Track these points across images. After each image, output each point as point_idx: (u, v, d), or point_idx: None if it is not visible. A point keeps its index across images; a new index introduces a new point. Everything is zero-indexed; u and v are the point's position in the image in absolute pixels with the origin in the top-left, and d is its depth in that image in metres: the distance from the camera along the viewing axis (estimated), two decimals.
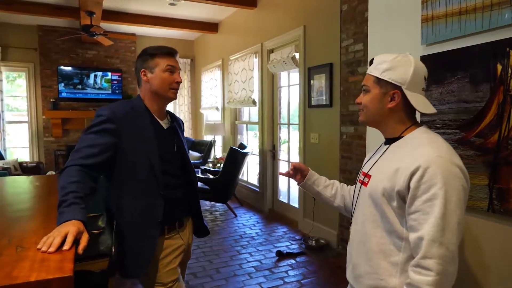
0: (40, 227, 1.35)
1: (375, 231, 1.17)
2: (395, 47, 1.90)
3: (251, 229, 4.55)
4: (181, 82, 1.67)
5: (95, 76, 7.22)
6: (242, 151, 5.00)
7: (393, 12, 1.91)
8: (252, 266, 3.40)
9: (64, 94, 7.00)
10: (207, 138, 7.17)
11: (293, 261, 3.52)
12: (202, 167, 6.03)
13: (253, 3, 5.34)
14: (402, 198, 1.08)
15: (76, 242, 1.14)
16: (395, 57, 1.16)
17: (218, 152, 7.15)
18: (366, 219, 1.20)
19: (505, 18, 1.37)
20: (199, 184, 5.14)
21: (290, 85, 4.95)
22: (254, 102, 5.38)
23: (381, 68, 1.17)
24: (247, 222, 4.85)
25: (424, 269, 0.99)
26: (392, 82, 1.15)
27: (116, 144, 1.50)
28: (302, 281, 3.10)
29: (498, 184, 1.43)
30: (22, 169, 6.22)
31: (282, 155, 5.38)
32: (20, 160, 6.50)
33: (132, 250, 1.55)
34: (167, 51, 1.63)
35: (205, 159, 6.68)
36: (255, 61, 5.39)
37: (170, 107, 7.93)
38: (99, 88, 7.27)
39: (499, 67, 1.40)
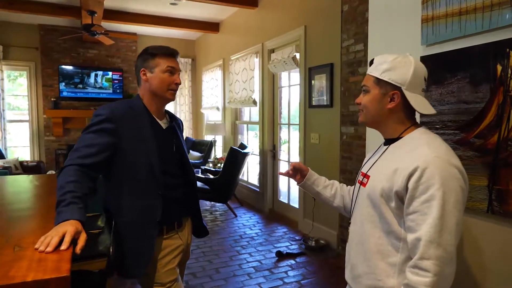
0: (39, 226, 1.35)
1: (373, 231, 1.16)
2: (395, 47, 1.90)
3: (251, 229, 4.55)
4: (180, 83, 1.67)
5: (96, 75, 7.23)
6: (242, 151, 5.00)
7: (393, 12, 1.90)
8: (252, 267, 3.39)
9: (65, 93, 7.00)
10: (208, 138, 7.17)
11: (293, 262, 3.51)
12: (203, 167, 6.03)
13: (254, 3, 5.34)
14: (400, 199, 1.07)
15: (74, 242, 1.14)
16: (395, 58, 1.16)
17: (218, 152, 7.15)
18: (364, 219, 1.20)
19: (505, 19, 1.36)
20: (199, 184, 5.14)
21: (290, 85, 4.95)
22: (254, 102, 5.38)
23: (381, 69, 1.16)
24: (247, 222, 4.85)
25: (422, 270, 0.99)
26: (392, 82, 1.14)
27: (114, 144, 1.50)
28: (301, 282, 3.10)
29: (497, 185, 1.42)
30: (23, 168, 6.22)
31: (283, 155, 5.37)
32: (21, 159, 6.51)
33: (130, 250, 1.55)
34: (169, 52, 1.63)
35: (205, 159, 6.68)
36: (256, 61, 5.39)
37: (171, 106, 7.95)
38: (100, 88, 7.28)
39: (499, 68, 1.40)
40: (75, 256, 1.11)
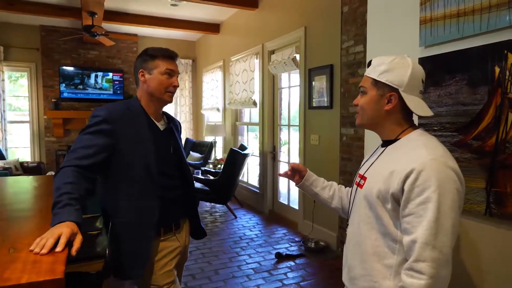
0: (36, 227, 1.35)
1: (369, 233, 1.16)
2: (394, 48, 1.90)
3: (251, 230, 4.54)
4: (178, 86, 1.67)
5: (96, 76, 7.23)
6: (242, 152, 4.99)
7: (392, 14, 1.90)
8: (251, 268, 3.39)
9: (65, 94, 7.01)
10: (208, 139, 7.17)
11: (292, 263, 3.51)
12: (203, 168, 6.03)
13: (254, 4, 5.34)
14: (397, 201, 1.07)
15: (69, 243, 1.13)
16: (393, 59, 1.15)
17: (218, 153, 7.15)
18: (361, 221, 1.20)
19: (503, 20, 1.36)
20: (199, 185, 5.15)
21: (290, 87, 4.95)
22: (254, 103, 5.38)
23: (379, 70, 1.16)
24: (246, 223, 4.85)
25: (417, 272, 0.99)
26: (390, 84, 1.14)
27: (112, 145, 1.50)
28: (301, 283, 3.09)
29: (495, 187, 1.42)
30: (23, 169, 6.23)
31: (283, 156, 5.37)
32: (21, 160, 6.52)
33: (127, 252, 1.55)
34: (168, 54, 1.62)
35: (205, 160, 6.67)
36: (256, 62, 5.39)
37: (171, 107, 7.96)
38: (100, 88, 7.29)
39: (497, 70, 1.40)
40: (73, 258, 1.10)
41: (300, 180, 1.54)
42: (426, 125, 1.66)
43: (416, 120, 1.68)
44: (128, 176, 1.54)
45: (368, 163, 1.26)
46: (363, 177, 1.24)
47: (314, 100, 4.10)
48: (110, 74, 7.36)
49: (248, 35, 5.74)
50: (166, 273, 1.63)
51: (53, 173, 5.95)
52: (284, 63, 4.57)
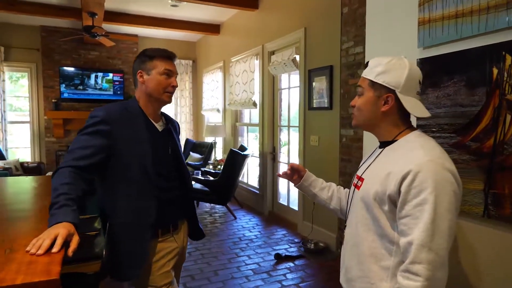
0: (33, 228, 1.34)
1: (366, 234, 1.16)
2: (393, 49, 1.89)
3: (250, 231, 4.54)
4: (177, 86, 1.66)
5: (96, 76, 7.24)
6: (242, 153, 4.99)
7: (391, 15, 1.90)
8: (250, 269, 3.38)
9: (66, 95, 7.02)
10: (208, 139, 7.17)
11: (291, 264, 3.50)
12: (203, 169, 6.03)
13: (254, 5, 5.34)
14: (393, 202, 1.07)
15: (66, 244, 1.13)
16: (389, 60, 1.15)
17: (218, 154, 7.15)
18: (358, 222, 1.20)
19: (501, 22, 1.36)
20: (199, 186, 5.15)
21: (290, 87, 4.94)
22: (254, 104, 5.38)
23: (376, 71, 1.16)
24: (246, 224, 4.84)
25: (413, 274, 0.98)
26: (386, 85, 1.14)
27: (109, 146, 1.49)
28: (300, 285, 3.09)
29: (493, 189, 1.41)
30: (23, 169, 6.23)
31: (282, 157, 5.36)
32: (21, 160, 6.52)
33: (125, 252, 1.54)
34: (166, 55, 1.62)
35: (205, 160, 6.67)
36: (256, 63, 5.39)
37: (171, 108, 7.96)
38: (100, 89, 7.29)
39: (495, 71, 1.39)
40: (70, 258, 1.10)
41: (299, 180, 1.54)
42: (425, 126, 1.66)
43: (414, 121, 1.68)
44: (126, 176, 1.54)
45: (366, 164, 1.26)
46: (360, 178, 1.24)
47: (313, 101, 4.10)
48: (110, 74, 7.36)
49: (248, 36, 5.74)
50: (163, 274, 1.63)
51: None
52: (284, 64, 4.57)
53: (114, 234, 1.54)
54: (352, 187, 1.31)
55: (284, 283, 3.11)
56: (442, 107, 1.60)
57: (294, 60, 4.40)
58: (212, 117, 7.50)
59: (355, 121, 1.25)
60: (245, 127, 6.34)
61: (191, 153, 6.99)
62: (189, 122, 8.24)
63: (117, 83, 7.43)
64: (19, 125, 7.19)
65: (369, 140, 1.91)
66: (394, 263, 1.09)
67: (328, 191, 1.52)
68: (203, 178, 5.36)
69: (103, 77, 7.30)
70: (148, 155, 1.56)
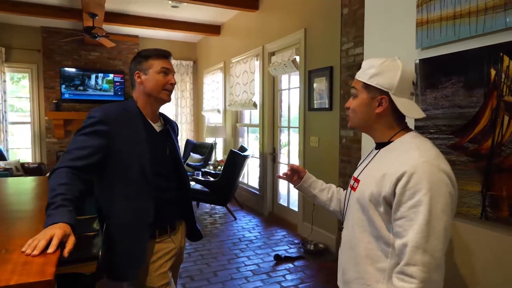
0: (30, 228, 1.34)
1: (362, 236, 1.15)
2: (391, 50, 1.89)
3: (250, 232, 4.53)
4: (175, 83, 1.67)
5: (96, 77, 7.25)
6: (242, 153, 4.99)
7: (390, 16, 1.90)
8: (250, 270, 3.38)
9: (66, 96, 7.03)
10: (209, 140, 7.17)
11: (291, 265, 3.50)
12: (203, 170, 6.03)
13: (254, 6, 5.34)
14: (389, 204, 1.06)
15: (62, 245, 1.13)
16: (382, 62, 1.14)
17: (219, 154, 7.15)
18: (354, 224, 1.19)
19: (499, 23, 1.36)
20: (199, 186, 5.15)
21: (290, 88, 4.94)
22: (255, 105, 5.38)
23: (369, 73, 1.15)
24: (246, 225, 4.84)
25: (408, 276, 0.98)
26: (380, 87, 1.13)
27: (107, 146, 1.49)
28: (299, 286, 3.08)
29: (491, 191, 1.41)
30: (24, 170, 6.24)
31: (283, 158, 5.36)
32: (22, 161, 6.53)
33: (122, 253, 1.54)
34: (161, 53, 1.63)
35: (206, 161, 6.68)
36: (256, 63, 5.39)
37: (172, 108, 7.96)
38: (100, 90, 7.30)
39: (493, 72, 1.39)
40: (68, 259, 1.10)
41: (298, 181, 1.53)
42: (423, 128, 1.66)
43: (412, 122, 1.68)
44: (124, 177, 1.54)
45: (362, 166, 1.26)
46: (356, 180, 1.24)
47: (313, 102, 4.10)
48: (111, 75, 7.37)
49: (248, 36, 5.74)
50: (161, 274, 1.62)
51: None
52: (284, 64, 4.57)
53: (111, 235, 1.54)
54: (349, 189, 1.30)
55: (283, 284, 3.11)
56: (440, 108, 1.60)
57: (294, 61, 4.40)
58: (213, 118, 7.51)
59: (350, 122, 1.25)
60: (246, 128, 6.34)
61: (191, 153, 7.00)
62: (190, 123, 8.25)
63: (118, 83, 7.44)
64: (20, 126, 7.21)
65: (367, 141, 1.91)
66: (390, 264, 1.08)
67: (328, 192, 1.51)
68: (203, 178, 5.36)
69: (103, 77, 7.31)
70: (146, 155, 1.56)
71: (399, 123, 1.18)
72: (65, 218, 1.21)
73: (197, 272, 3.30)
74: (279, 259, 3.62)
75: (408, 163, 1.03)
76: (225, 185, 4.95)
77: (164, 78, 1.61)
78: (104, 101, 7.26)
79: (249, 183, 6.07)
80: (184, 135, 8.12)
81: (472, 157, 1.47)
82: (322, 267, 3.45)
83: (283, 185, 5.20)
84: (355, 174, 1.28)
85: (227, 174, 4.93)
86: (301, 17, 4.30)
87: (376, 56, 1.26)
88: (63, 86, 6.98)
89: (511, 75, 1.33)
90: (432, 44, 1.63)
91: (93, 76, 7.22)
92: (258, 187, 5.61)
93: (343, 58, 3.57)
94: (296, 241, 4.15)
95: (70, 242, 1.15)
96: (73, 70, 7.06)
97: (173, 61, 7.46)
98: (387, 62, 1.14)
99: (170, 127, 1.77)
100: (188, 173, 6.13)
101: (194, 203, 5.61)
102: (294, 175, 1.54)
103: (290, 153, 5.12)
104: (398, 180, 1.02)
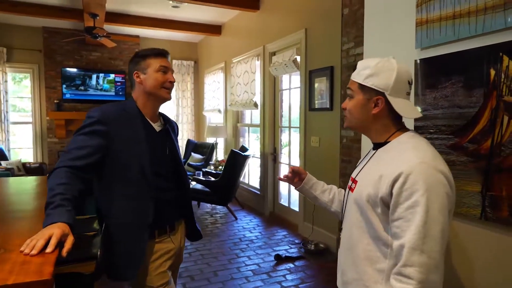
0: (29, 228, 1.34)
1: (361, 237, 1.15)
2: (391, 50, 1.89)
3: (251, 232, 4.53)
4: (174, 81, 1.67)
5: (97, 77, 7.26)
6: (243, 153, 4.99)
7: (390, 16, 1.89)
8: (250, 270, 3.38)
9: (67, 96, 7.04)
10: (210, 140, 7.18)
11: (291, 265, 3.49)
12: (204, 169, 6.03)
13: (255, 6, 5.34)
14: (386, 205, 1.06)
15: (61, 244, 1.13)
16: (377, 63, 1.14)
17: (220, 154, 7.16)
18: (353, 225, 1.19)
19: (498, 22, 1.35)
20: (200, 186, 5.15)
21: (291, 88, 4.94)
22: (255, 105, 5.38)
23: (364, 74, 1.15)
24: (247, 225, 4.84)
25: (405, 277, 0.97)
26: (375, 88, 1.13)
27: (106, 146, 1.50)
28: (299, 286, 3.08)
29: (491, 191, 1.40)
30: (26, 169, 6.26)
31: (283, 158, 5.36)
32: (23, 160, 6.55)
33: (122, 253, 1.54)
34: (159, 52, 1.64)
35: (207, 161, 6.68)
36: (257, 63, 5.39)
37: (173, 109, 7.97)
38: (101, 89, 7.31)
39: (492, 72, 1.38)
40: (68, 259, 1.10)
41: (299, 183, 1.53)
42: (423, 128, 1.65)
43: (412, 123, 1.68)
44: (123, 177, 1.54)
45: (360, 166, 1.25)
46: (354, 181, 1.23)
47: (314, 102, 4.09)
48: (112, 75, 7.38)
49: (249, 36, 5.74)
50: (160, 274, 1.62)
51: None
52: (285, 64, 4.57)
53: (111, 235, 1.54)
54: (347, 190, 1.30)
55: (284, 284, 3.11)
56: (440, 108, 1.59)
57: (295, 61, 4.40)
58: (214, 118, 7.51)
59: (347, 123, 1.25)
60: (247, 128, 6.34)
61: (192, 153, 7.00)
62: (191, 123, 8.25)
63: (119, 84, 7.45)
64: (21, 126, 7.23)
65: (367, 141, 1.90)
66: (389, 265, 1.08)
67: (329, 193, 1.51)
68: (204, 178, 5.36)
69: (104, 77, 7.31)
70: (145, 155, 1.56)
71: (396, 123, 1.17)
72: (64, 217, 1.22)
73: (198, 272, 3.31)
74: (280, 259, 3.61)
75: (404, 164, 1.02)
76: (226, 185, 4.95)
77: (163, 77, 1.61)
78: (105, 101, 7.26)
79: (250, 183, 6.07)
80: (185, 135, 8.13)
81: (471, 157, 1.47)
82: (322, 267, 3.45)
83: (284, 185, 5.20)
84: (353, 175, 1.27)
85: (228, 174, 4.93)
86: (302, 17, 4.30)
87: (376, 56, 1.25)
88: (64, 86, 6.99)
89: (511, 75, 1.33)
90: (432, 44, 1.62)
91: (94, 76, 7.23)
92: (259, 187, 5.61)
93: (343, 58, 3.56)
94: (296, 241, 4.15)
95: (69, 241, 1.16)
96: (74, 70, 7.07)
97: (174, 61, 7.46)
98: (382, 63, 1.13)
99: (170, 126, 1.77)
100: (189, 173, 6.18)
101: (195, 203, 5.61)
102: (295, 177, 1.54)
103: (291, 153, 5.12)
104: (394, 181, 1.02)
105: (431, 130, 1.62)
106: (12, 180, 2.86)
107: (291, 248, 3.96)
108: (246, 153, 5.09)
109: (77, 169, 1.40)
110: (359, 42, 3.35)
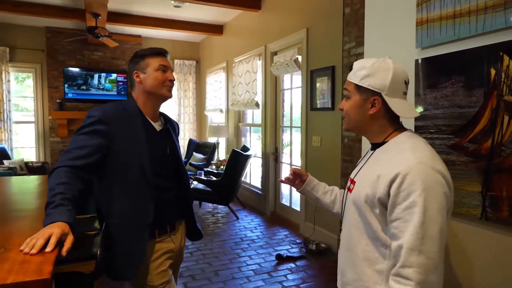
0: (29, 228, 1.35)
1: (360, 238, 1.15)
2: (391, 50, 1.88)
3: (252, 232, 4.54)
4: (174, 80, 1.67)
5: (99, 77, 7.27)
6: (244, 153, 4.99)
7: (390, 15, 1.89)
8: (251, 270, 3.38)
9: (70, 95, 7.06)
10: (211, 140, 7.19)
11: (292, 265, 3.49)
12: (206, 169, 6.04)
13: (257, 6, 5.34)
14: (384, 206, 1.05)
15: (61, 244, 1.13)
16: (373, 63, 1.13)
17: (222, 154, 7.16)
18: (351, 226, 1.19)
19: (499, 22, 1.35)
20: (202, 186, 5.15)
21: (292, 88, 4.94)
22: (257, 105, 5.38)
23: (360, 75, 1.14)
24: (248, 224, 4.84)
25: (403, 278, 0.97)
26: (372, 88, 1.12)
27: (106, 146, 1.50)
28: (300, 286, 3.08)
29: (491, 191, 1.40)
30: (28, 169, 6.28)
31: (285, 158, 5.36)
32: (26, 160, 6.57)
33: (122, 252, 1.55)
34: (157, 51, 1.64)
35: (208, 161, 6.69)
36: (259, 63, 5.39)
37: (175, 108, 7.98)
38: (103, 89, 7.33)
39: (493, 72, 1.38)
40: (68, 258, 1.10)
41: (301, 185, 1.53)
42: (423, 128, 1.65)
43: (412, 122, 1.67)
44: (124, 176, 1.54)
45: (358, 167, 1.25)
46: (352, 181, 1.23)
47: (316, 101, 4.09)
48: (114, 75, 7.39)
49: (251, 36, 5.75)
50: (161, 273, 1.63)
51: None
52: (287, 64, 4.57)
53: (111, 234, 1.54)
54: (346, 190, 1.30)
55: (285, 284, 3.11)
56: (440, 108, 1.59)
57: (296, 60, 4.40)
58: (215, 118, 7.51)
59: (345, 125, 1.24)
60: (248, 128, 6.34)
61: (194, 153, 7.01)
62: (192, 123, 8.26)
63: (121, 83, 7.46)
64: (24, 125, 7.25)
65: (367, 141, 1.90)
66: (388, 266, 1.07)
67: (331, 195, 1.51)
68: (205, 178, 5.37)
69: (106, 77, 7.33)
70: (146, 155, 1.56)
71: (394, 123, 1.17)
72: (64, 217, 1.22)
73: (199, 271, 3.31)
74: (281, 259, 3.61)
75: (402, 164, 1.02)
76: (227, 185, 4.95)
77: (162, 75, 1.62)
78: (107, 101, 7.23)
79: (252, 183, 6.07)
80: (186, 135, 8.14)
81: (472, 157, 1.47)
82: (324, 267, 3.45)
83: (285, 185, 5.17)
84: (352, 175, 1.27)
85: (230, 174, 4.94)
86: (303, 16, 4.29)
87: (377, 56, 1.25)
88: (66, 85, 7.01)
89: (511, 75, 1.32)
90: (432, 44, 1.62)
91: (96, 76, 7.25)
92: (260, 187, 5.61)
93: (345, 58, 3.56)
94: (298, 241, 4.15)
95: (69, 241, 1.16)
96: (76, 69, 7.09)
97: (176, 61, 7.46)
98: (378, 63, 1.13)
99: (170, 126, 1.77)
100: (191, 173, 6.19)
101: (196, 202, 5.62)
102: (296, 179, 1.54)
103: (292, 152, 5.12)
104: (392, 181, 1.01)
105: (432, 130, 1.62)
106: (14, 179, 2.87)
107: (292, 248, 3.96)
108: (247, 153, 5.09)
109: (77, 168, 1.41)
110: (361, 42, 3.34)
